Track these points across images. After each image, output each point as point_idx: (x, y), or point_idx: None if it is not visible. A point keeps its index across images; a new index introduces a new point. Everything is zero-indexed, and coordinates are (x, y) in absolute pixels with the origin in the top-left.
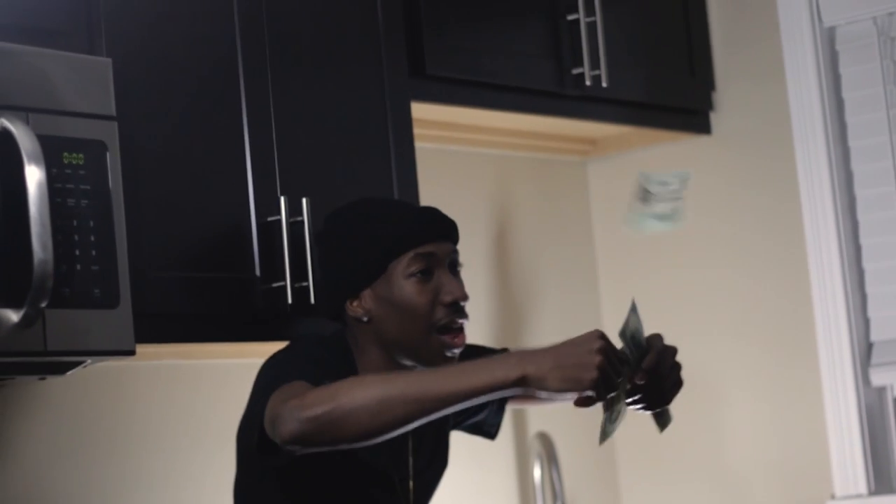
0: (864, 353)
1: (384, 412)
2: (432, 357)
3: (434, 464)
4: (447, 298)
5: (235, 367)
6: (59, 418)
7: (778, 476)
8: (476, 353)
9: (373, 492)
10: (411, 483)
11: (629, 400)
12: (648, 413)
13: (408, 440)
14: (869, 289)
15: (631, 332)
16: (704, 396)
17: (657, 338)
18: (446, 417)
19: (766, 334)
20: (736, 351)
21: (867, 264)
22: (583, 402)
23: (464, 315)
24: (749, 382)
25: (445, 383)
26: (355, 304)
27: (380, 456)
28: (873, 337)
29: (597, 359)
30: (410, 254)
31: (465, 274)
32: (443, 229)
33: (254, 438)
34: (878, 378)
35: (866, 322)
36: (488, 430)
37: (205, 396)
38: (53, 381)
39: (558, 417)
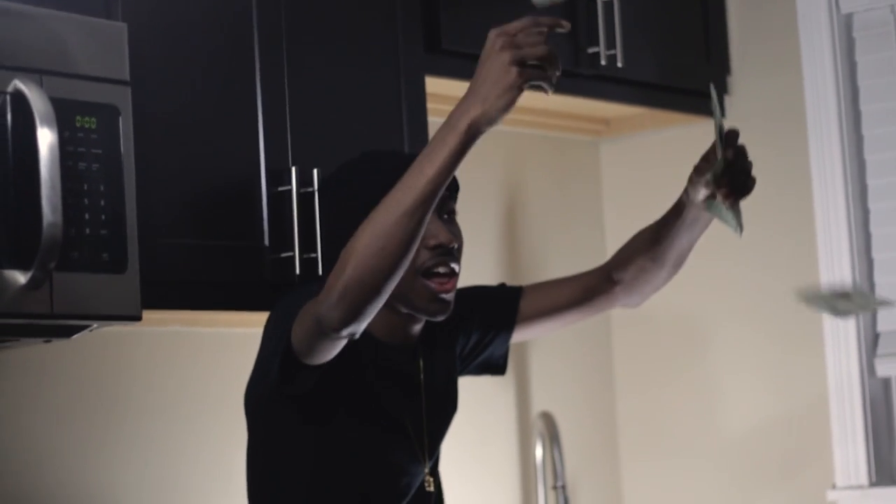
0: (871, 343)
1: (387, 244)
2: (422, 302)
3: (445, 407)
4: (432, 242)
5: (241, 336)
6: (64, 381)
7: (779, 464)
8: (473, 293)
9: (387, 437)
10: (424, 427)
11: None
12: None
13: (420, 386)
14: (878, 278)
15: (715, 103)
16: (708, 378)
17: (733, 133)
18: (454, 361)
19: (773, 321)
20: (743, 337)
21: (877, 254)
22: (536, 90)
23: (452, 258)
24: (755, 368)
25: (416, 182)
26: None
27: (393, 401)
28: (880, 327)
29: (504, 56)
30: None
31: (475, 250)
32: None
33: (273, 370)
34: (883, 369)
35: (873, 312)
36: (496, 364)
37: (210, 364)
38: (59, 344)
39: (561, 397)
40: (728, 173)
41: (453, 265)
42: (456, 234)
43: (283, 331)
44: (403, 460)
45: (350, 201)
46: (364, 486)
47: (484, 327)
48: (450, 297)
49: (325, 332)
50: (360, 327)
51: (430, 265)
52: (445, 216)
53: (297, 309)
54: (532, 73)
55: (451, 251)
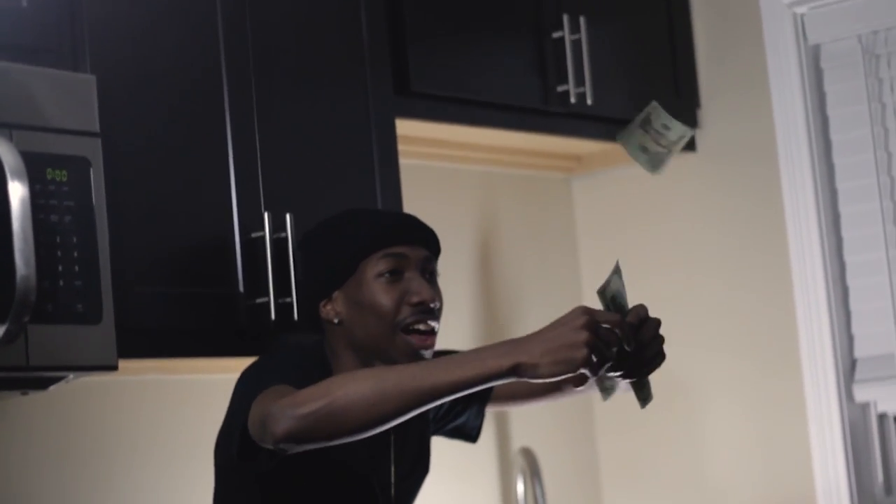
0: (848, 368)
1: (379, 405)
2: (402, 357)
3: (416, 470)
4: (414, 299)
5: (219, 382)
6: (42, 433)
7: (761, 492)
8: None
9: (354, 499)
10: (392, 491)
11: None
12: (627, 385)
13: (390, 447)
14: (853, 305)
15: (612, 294)
16: (688, 410)
17: (640, 307)
18: (427, 424)
19: (749, 348)
20: (719, 364)
21: (851, 280)
22: (577, 382)
23: (433, 317)
24: (732, 396)
25: (439, 374)
26: (328, 306)
27: (361, 463)
28: (857, 353)
29: (583, 335)
30: (380, 253)
31: (450, 288)
32: (416, 233)
33: (234, 445)
34: (861, 394)
35: (850, 338)
36: (469, 433)
37: (188, 412)
38: (36, 397)
39: (541, 432)
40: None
41: (433, 323)
42: (437, 294)
43: (246, 404)
44: None
45: (327, 259)
46: None
47: (457, 398)
48: (429, 354)
49: (265, 431)
50: (294, 449)
51: (410, 322)
52: (428, 276)
53: (266, 380)
54: (595, 367)
55: (431, 310)
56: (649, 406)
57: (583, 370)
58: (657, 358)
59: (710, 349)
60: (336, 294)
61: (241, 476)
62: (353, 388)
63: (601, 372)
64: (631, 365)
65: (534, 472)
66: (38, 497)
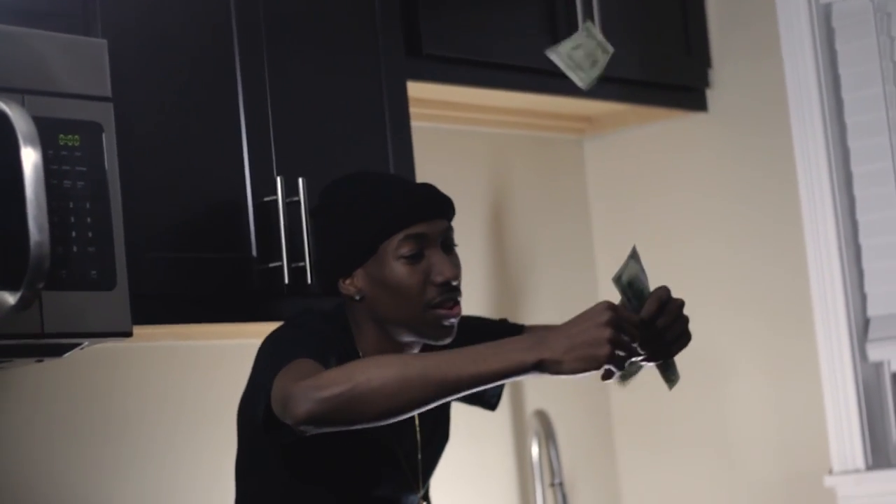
0: (861, 328)
1: (402, 393)
2: (431, 330)
3: (436, 438)
4: (438, 279)
5: (232, 347)
6: (57, 400)
7: (776, 451)
8: (475, 325)
9: (378, 468)
10: (419, 456)
11: None
12: (654, 366)
13: (413, 416)
14: (866, 264)
15: (628, 280)
16: (702, 373)
17: (662, 289)
18: None
19: (763, 310)
20: (733, 327)
21: (864, 240)
22: (605, 376)
23: (457, 293)
24: (746, 358)
25: (465, 366)
26: (347, 282)
27: (385, 432)
28: (870, 312)
29: (607, 332)
30: (400, 235)
31: (462, 252)
32: (435, 208)
33: (258, 415)
34: (875, 353)
35: (863, 297)
36: (489, 401)
37: (202, 377)
38: (51, 364)
39: (556, 395)
40: (648, 335)
41: (458, 299)
42: (457, 266)
43: (269, 376)
44: (397, 492)
45: (346, 239)
46: None
47: None
48: (455, 322)
49: (286, 411)
50: (315, 431)
51: (437, 302)
52: (447, 248)
53: (290, 352)
54: (617, 360)
55: (456, 288)
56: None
57: (606, 366)
58: (682, 339)
59: (723, 311)
60: (357, 272)
61: (263, 443)
62: (376, 374)
63: (624, 366)
64: (655, 348)
65: (548, 435)
66: (53, 464)
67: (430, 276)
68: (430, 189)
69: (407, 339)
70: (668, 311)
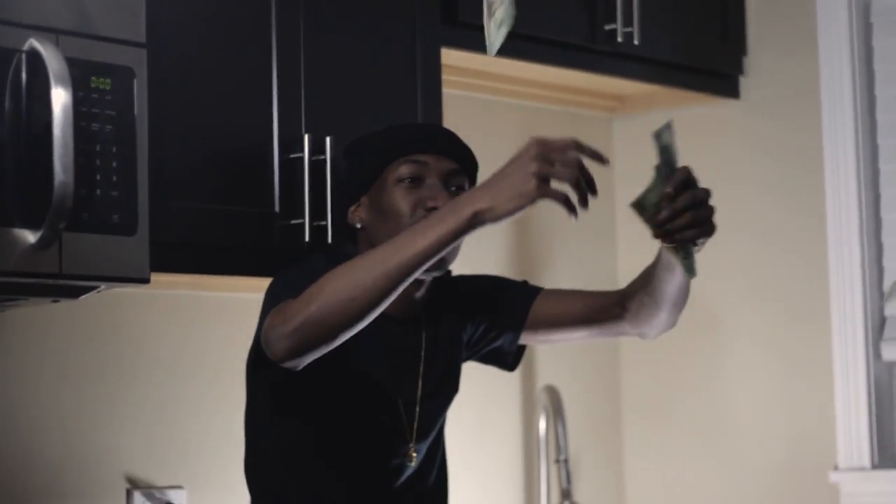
0: (878, 326)
1: (357, 297)
2: None
3: (443, 389)
4: (430, 204)
5: (250, 300)
6: (71, 341)
7: (782, 443)
8: (496, 283)
9: (377, 415)
10: (418, 408)
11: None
12: (675, 258)
13: (419, 363)
14: (886, 262)
15: (664, 144)
16: (715, 355)
17: (685, 169)
18: (460, 347)
19: (780, 301)
20: (749, 314)
21: (886, 239)
22: (569, 209)
23: None
24: (760, 344)
25: (405, 248)
26: (354, 211)
27: (386, 377)
28: (887, 311)
29: (532, 167)
30: (402, 159)
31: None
32: (441, 143)
33: (251, 357)
34: (889, 352)
35: (881, 296)
36: (505, 359)
37: (216, 328)
38: (66, 305)
39: (566, 371)
40: (668, 214)
41: None
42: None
43: (262, 318)
44: (394, 438)
45: (356, 165)
46: (356, 465)
47: (493, 319)
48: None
49: (268, 354)
50: (300, 363)
51: None
52: (453, 188)
53: (282, 293)
54: (550, 192)
55: None
56: (675, 349)
57: (543, 197)
58: (705, 226)
59: (741, 295)
60: (363, 199)
61: (265, 389)
62: (329, 289)
63: (580, 193)
64: (676, 228)
65: (557, 411)
66: (65, 403)
67: (422, 202)
68: (442, 128)
69: None
70: (692, 193)
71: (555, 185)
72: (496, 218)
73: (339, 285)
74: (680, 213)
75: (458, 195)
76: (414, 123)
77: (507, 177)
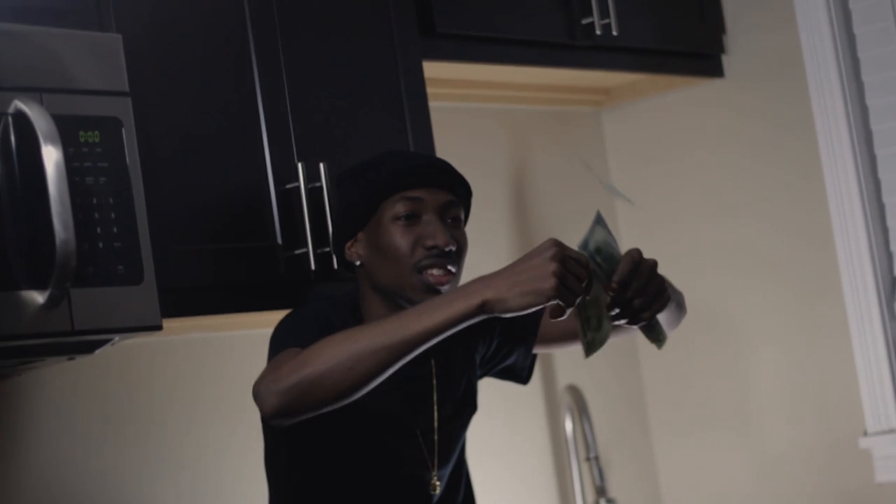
0: (889, 287)
1: (355, 367)
2: (417, 296)
3: (461, 413)
4: (428, 242)
5: (262, 336)
6: (90, 397)
7: (810, 416)
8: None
9: (395, 445)
10: (436, 436)
11: (612, 314)
12: (639, 330)
13: (432, 391)
14: (890, 222)
15: (596, 246)
16: (731, 342)
17: (634, 251)
18: (474, 367)
19: (789, 275)
20: (759, 293)
21: (887, 198)
22: (554, 313)
23: (449, 261)
24: (775, 324)
25: (410, 326)
26: (352, 248)
27: (399, 409)
28: None
29: (551, 266)
30: (397, 196)
31: (486, 229)
32: (435, 177)
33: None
34: None
35: (889, 256)
36: (519, 374)
37: (233, 368)
38: (82, 361)
39: (587, 369)
40: (617, 305)
41: (449, 266)
42: (456, 239)
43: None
44: (414, 469)
45: (351, 200)
46: (380, 500)
47: (504, 336)
48: (444, 290)
49: (257, 405)
50: (287, 422)
51: (425, 265)
52: (449, 220)
53: (284, 340)
54: (566, 295)
55: (447, 254)
56: (693, 339)
57: (554, 301)
58: (658, 299)
59: (748, 277)
60: (360, 235)
61: (280, 434)
62: (328, 354)
63: (578, 302)
64: (634, 312)
65: (581, 410)
66: (91, 459)
67: (421, 240)
68: (436, 159)
69: (406, 306)
70: (641, 272)
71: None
72: (506, 310)
73: (339, 352)
74: (631, 301)
75: (456, 226)
76: (405, 154)
77: (525, 271)
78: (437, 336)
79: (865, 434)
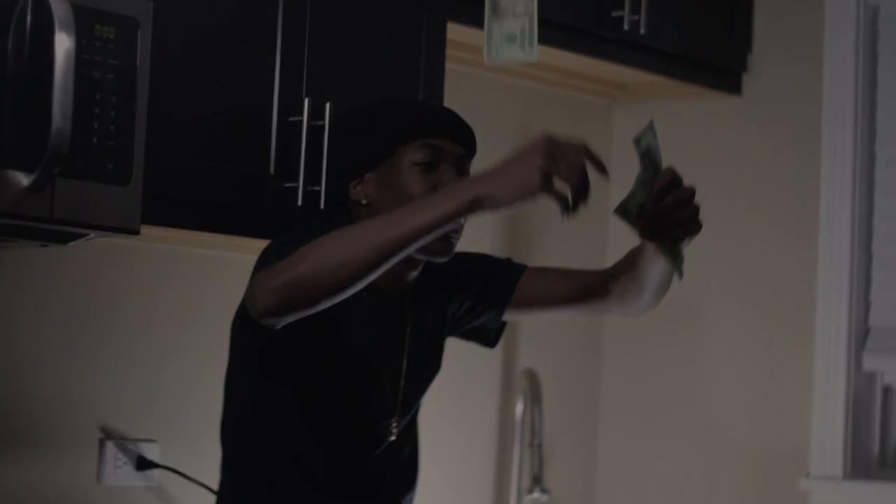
0: (861, 336)
1: (348, 264)
2: (430, 243)
3: (427, 366)
4: None
5: (237, 260)
6: (56, 287)
7: (756, 446)
8: (478, 258)
9: (362, 384)
10: (402, 382)
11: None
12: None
13: (405, 339)
14: (875, 273)
15: (646, 146)
16: (697, 352)
17: (671, 169)
18: (444, 321)
19: (765, 303)
20: (732, 312)
21: (877, 248)
22: (562, 209)
23: None
24: (744, 346)
25: (403, 223)
26: (358, 186)
27: (372, 352)
28: (872, 321)
29: (537, 159)
30: (419, 142)
31: None
32: (457, 129)
33: (238, 317)
34: (870, 363)
35: (867, 305)
36: (486, 336)
37: (202, 285)
38: (54, 250)
39: (547, 354)
40: (651, 214)
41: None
42: None
43: (252, 276)
44: (376, 414)
45: (364, 140)
46: (336, 433)
47: (477, 297)
48: (455, 240)
49: (250, 308)
50: (280, 322)
51: None
52: (462, 173)
53: (274, 252)
54: (552, 189)
55: None
56: (658, 342)
57: (544, 193)
58: (691, 224)
59: (728, 292)
60: (369, 176)
61: (249, 352)
62: (321, 252)
63: (576, 198)
64: (663, 227)
65: (535, 395)
66: (44, 348)
67: (438, 188)
68: (451, 110)
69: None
70: (678, 192)
71: (556, 183)
72: (496, 206)
73: (331, 249)
74: (666, 214)
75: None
76: (422, 102)
77: (512, 167)
78: (429, 233)
79: (808, 476)
